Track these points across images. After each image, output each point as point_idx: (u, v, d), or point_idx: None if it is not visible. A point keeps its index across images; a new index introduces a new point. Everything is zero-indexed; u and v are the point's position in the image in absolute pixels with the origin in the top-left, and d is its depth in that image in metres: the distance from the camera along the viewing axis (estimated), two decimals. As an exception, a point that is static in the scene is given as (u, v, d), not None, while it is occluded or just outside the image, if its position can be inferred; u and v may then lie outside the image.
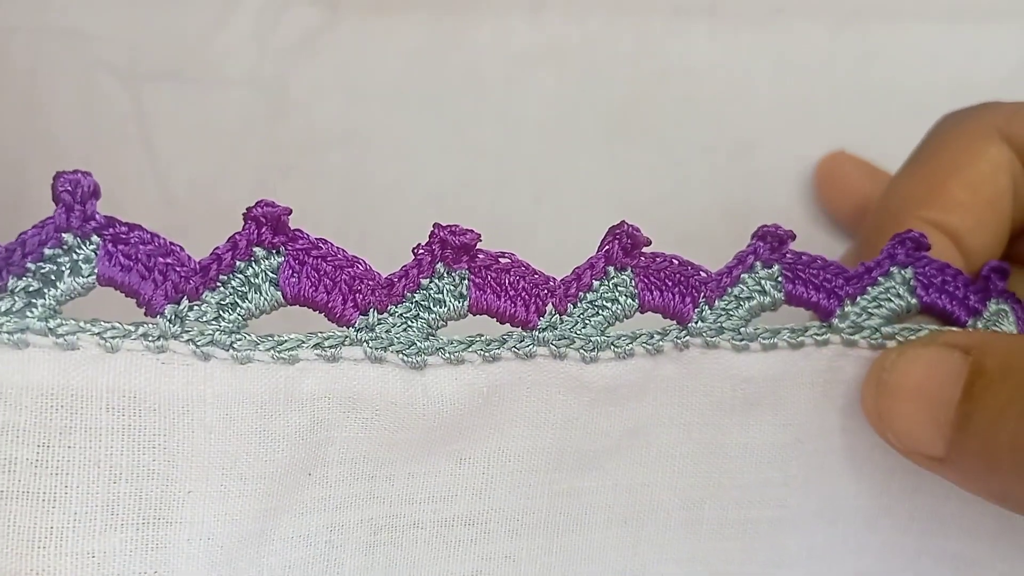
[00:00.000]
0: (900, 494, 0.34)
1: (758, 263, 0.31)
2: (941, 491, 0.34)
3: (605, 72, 0.47)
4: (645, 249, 0.30)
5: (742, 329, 0.31)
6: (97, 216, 0.26)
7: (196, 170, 0.45)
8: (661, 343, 0.30)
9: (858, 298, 0.31)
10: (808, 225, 0.46)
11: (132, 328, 0.26)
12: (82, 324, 0.26)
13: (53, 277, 0.26)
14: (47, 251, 0.26)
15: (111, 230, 0.26)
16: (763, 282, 0.31)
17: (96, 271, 0.26)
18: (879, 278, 0.31)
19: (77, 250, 0.26)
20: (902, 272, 0.31)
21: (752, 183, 0.46)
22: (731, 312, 0.30)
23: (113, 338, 0.26)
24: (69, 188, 0.26)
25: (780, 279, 0.31)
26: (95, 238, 0.26)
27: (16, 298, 0.26)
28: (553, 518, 0.31)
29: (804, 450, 0.32)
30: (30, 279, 0.26)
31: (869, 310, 0.31)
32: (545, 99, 0.47)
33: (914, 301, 0.32)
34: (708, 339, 0.30)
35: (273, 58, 0.46)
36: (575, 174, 0.47)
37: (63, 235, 0.26)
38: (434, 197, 0.46)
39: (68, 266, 0.26)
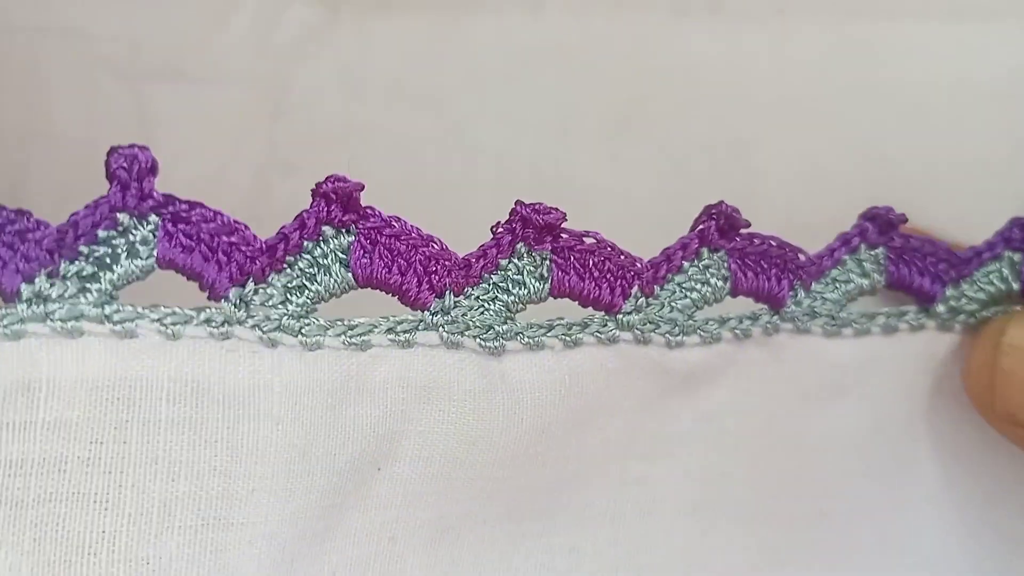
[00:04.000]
0: (979, 480, 0.32)
1: (863, 245, 0.29)
2: (1014, 475, 0.32)
3: (605, 70, 0.46)
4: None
5: (836, 314, 0.29)
6: (155, 194, 0.24)
7: (196, 168, 0.45)
8: (751, 327, 0.28)
9: (961, 282, 0.29)
10: (806, 222, 0.45)
11: (194, 313, 0.25)
12: (140, 310, 0.24)
13: (109, 260, 0.24)
14: (101, 233, 0.24)
15: (170, 208, 0.24)
16: (865, 264, 0.29)
17: (155, 253, 0.24)
18: (987, 260, 0.29)
19: (133, 231, 0.24)
20: (1012, 256, 0.29)
21: (752, 181, 0.46)
22: (826, 296, 0.29)
23: (174, 324, 0.24)
24: (125, 164, 0.24)
25: (884, 262, 0.29)
26: (153, 218, 0.24)
27: (69, 283, 0.24)
28: (620, 507, 0.30)
29: (886, 437, 0.31)
30: (83, 263, 0.24)
31: (968, 294, 0.29)
32: (545, 98, 0.46)
33: (1015, 286, 0.30)
34: (800, 324, 0.29)
35: (273, 57, 0.46)
36: (575, 172, 0.46)
37: (118, 215, 0.24)
38: (434, 196, 0.46)
39: (124, 248, 0.24)
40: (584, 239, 0.27)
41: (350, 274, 0.26)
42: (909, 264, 0.29)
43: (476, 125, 0.46)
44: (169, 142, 0.45)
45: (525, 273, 0.27)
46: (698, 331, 0.28)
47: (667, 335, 0.28)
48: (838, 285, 0.29)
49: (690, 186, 0.45)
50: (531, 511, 0.29)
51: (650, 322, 0.28)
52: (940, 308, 0.29)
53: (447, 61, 0.46)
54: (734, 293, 0.28)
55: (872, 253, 0.29)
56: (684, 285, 0.28)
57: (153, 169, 0.24)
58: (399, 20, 0.46)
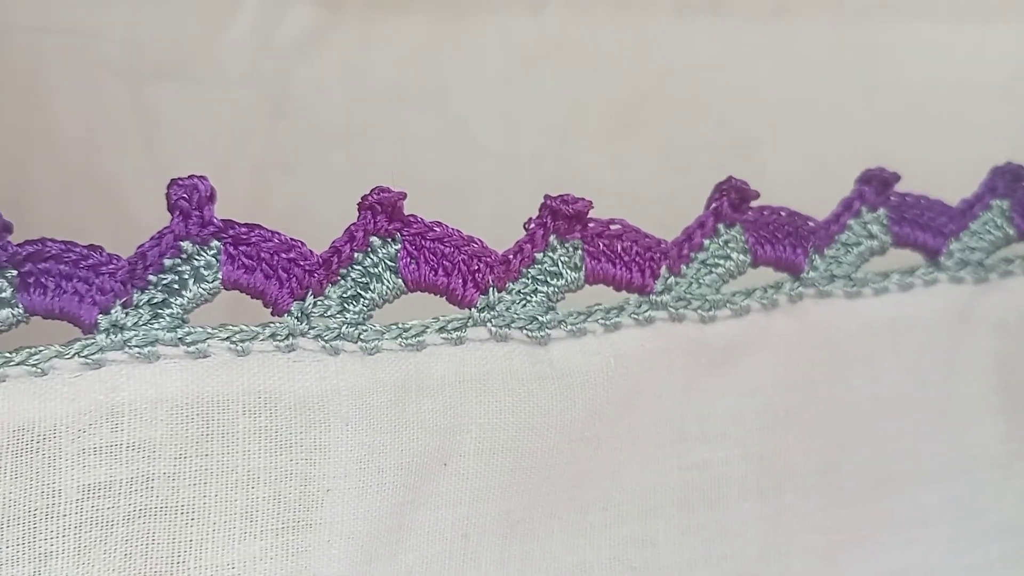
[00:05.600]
0: None
1: (864, 207, 0.31)
2: None
3: (607, 70, 0.47)
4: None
5: (853, 275, 0.31)
6: (215, 220, 0.26)
7: (198, 168, 0.46)
8: (776, 296, 0.30)
9: (961, 234, 0.31)
10: None
11: (260, 329, 0.27)
12: (211, 330, 0.26)
13: (177, 287, 0.26)
14: (167, 262, 0.26)
15: (230, 232, 0.26)
16: (869, 226, 0.31)
17: (220, 275, 0.26)
18: (980, 212, 0.31)
19: (197, 257, 0.26)
20: (1000, 203, 0.32)
21: (755, 180, 0.47)
22: (841, 259, 0.31)
23: (243, 341, 0.26)
24: (185, 195, 0.26)
25: (887, 222, 0.31)
26: (215, 243, 0.26)
27: (142, 311, 0.26)
28: (686, 494, 0.31)
29: (928, 395, 0.32)
30: (154, 291, 0.26)
31: (971, 245, 0.31)
32: (547, 97, 0.47)
33: (1012, 231, 0.32)
34: (821, 288, 0.31)
35: (274, 56, 0.46)
36: (577, 172, 0.47)
37: (182, 244, 0.26)
38: (435, 195, 0.47)
39: (190, 274, 0.26)
40: (611, 226, 0.29)
41: (400, 280, 0.28)
42: (911, 221, 0.31)
43: (478, 125, 0.47)
44: (170, 142, 0.45)
45: (560, 264, 0.29)
46: (727, 304, 0.30)
47: (699, 311, 0.30)
48: (850, 248, 0.31)
49: (693, 185, 0.46)
50: (595, 500, 0.30)
51: (681, 299, 0.30)
52: (947, 261, 0.31)
53: (448, 61, 0.46)
54: (755, 264, 0.30)
55: (874, 215, 0.31)
56: (708, 262, 0.30)
57: (212, 197, 0.26)
58: (400, 20, 0.46)
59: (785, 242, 0.30)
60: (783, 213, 0.30)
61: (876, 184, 0.31)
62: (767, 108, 0.47)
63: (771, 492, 0.32)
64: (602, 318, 0.29)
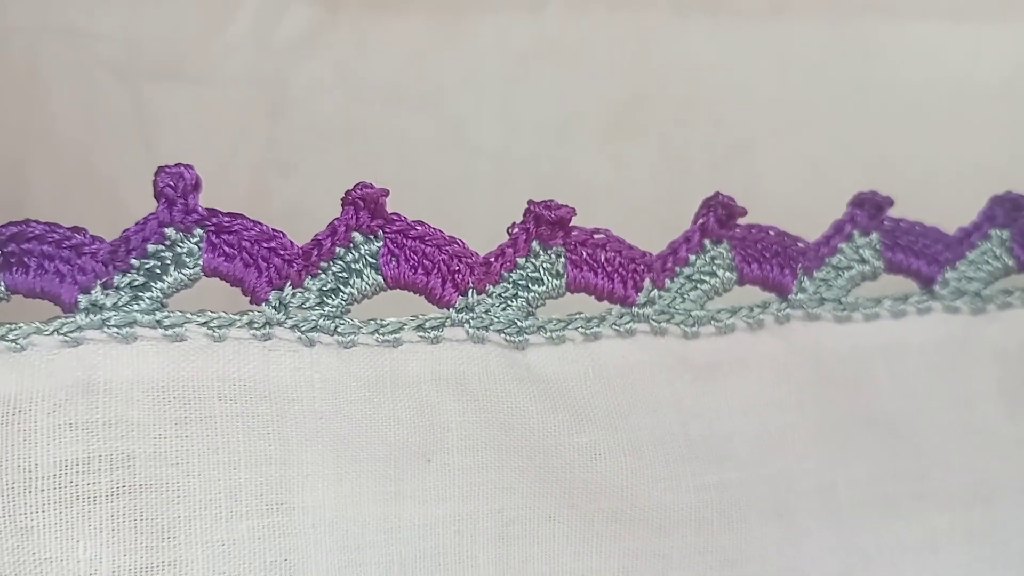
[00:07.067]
0: None
1: (856, 231, 0.30)
2: None
3: (604, 70, 0.48)
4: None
5: (843, 299, 0.30)
6: (199, 208, 0.26)
7: (196, 168, 0.47)
8: (762, 316, 0.30)
9: (958, 263, 0.31)
10: (806, 222, 0.46)
11: (237, 317, 0.27)
12: (189, 315, 0.27)
13: (158, 271, 0.27)
14: (150, 247, 0.27)
15: (214, 220, 0.27)
16: (861, 250, 0.31)
17: (201, 262, 0.26)
18: (978, 241, 0.31)
19: (180, 244, 0.27)
20: (999, 233, 0.31)
21: (752, 181, 0.48)
22: (831, 282, 0.30)
23: (219, 327, 0.27)
24: (171, 183, 0.26)
25: (879, 247, 0.30)
26: (198, 230, 0.27)
27: (122, 293, 0.26)
28: (703, 513, 0.31)
29: (931, 420, 0.32)
30: (135, 275, 0.26)
31: (968, 275, 0.31)
32: (545, 97, 0.48)
33: (1011, 262, 0.31)
34: (809, 310, 0.30)
35: (273, 56, 0.47)
36: (575, 172, 0.48)
37: (166, 230, 0.26)
38: (433, 195, 0.47)
39: (172, 260, 0.27)
40: (594, 235, 0.29)
41: (380, 277, 0.28)
42: (904, 248, 0.31)
43: (475, 125, 0.47)
44: (168, 142, 0.46)
45: (542, 270, 0.29)
46: (712, 321, 0.30)
47: (682, 326, 0.30)
48: (840, 272, 0.31)
49: (690, 186, 0.45)
50: (602, 511, 0.30)
51: (664, 313, 0.29)
52: (942, 290, 0.31)
53: (446, 61, 0.47)
54: (741, 282, 0.30)
55: (867, 239, 0.31)
56: (693, 277, 0.30)
57: (197, 186, 0.27)
58: (398, 20, 0.47)
59: (773, 261, 0.30)
60: (772, 232, 0.30)
61: (869, 208, 0.31)
62: (765, 108, 0.47)
63: (786, 514, 0.31)
64: (582, 327, 0.29)
